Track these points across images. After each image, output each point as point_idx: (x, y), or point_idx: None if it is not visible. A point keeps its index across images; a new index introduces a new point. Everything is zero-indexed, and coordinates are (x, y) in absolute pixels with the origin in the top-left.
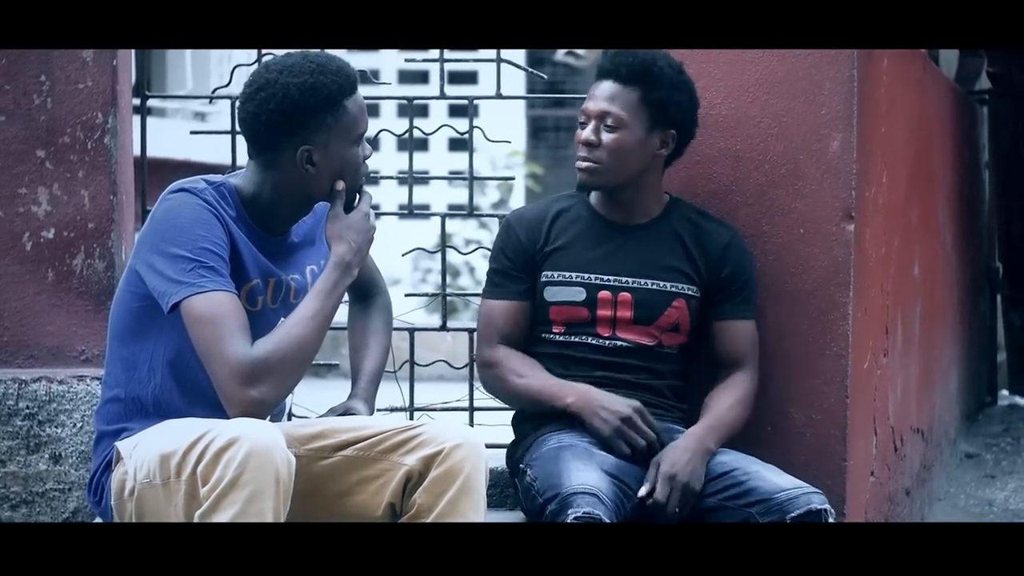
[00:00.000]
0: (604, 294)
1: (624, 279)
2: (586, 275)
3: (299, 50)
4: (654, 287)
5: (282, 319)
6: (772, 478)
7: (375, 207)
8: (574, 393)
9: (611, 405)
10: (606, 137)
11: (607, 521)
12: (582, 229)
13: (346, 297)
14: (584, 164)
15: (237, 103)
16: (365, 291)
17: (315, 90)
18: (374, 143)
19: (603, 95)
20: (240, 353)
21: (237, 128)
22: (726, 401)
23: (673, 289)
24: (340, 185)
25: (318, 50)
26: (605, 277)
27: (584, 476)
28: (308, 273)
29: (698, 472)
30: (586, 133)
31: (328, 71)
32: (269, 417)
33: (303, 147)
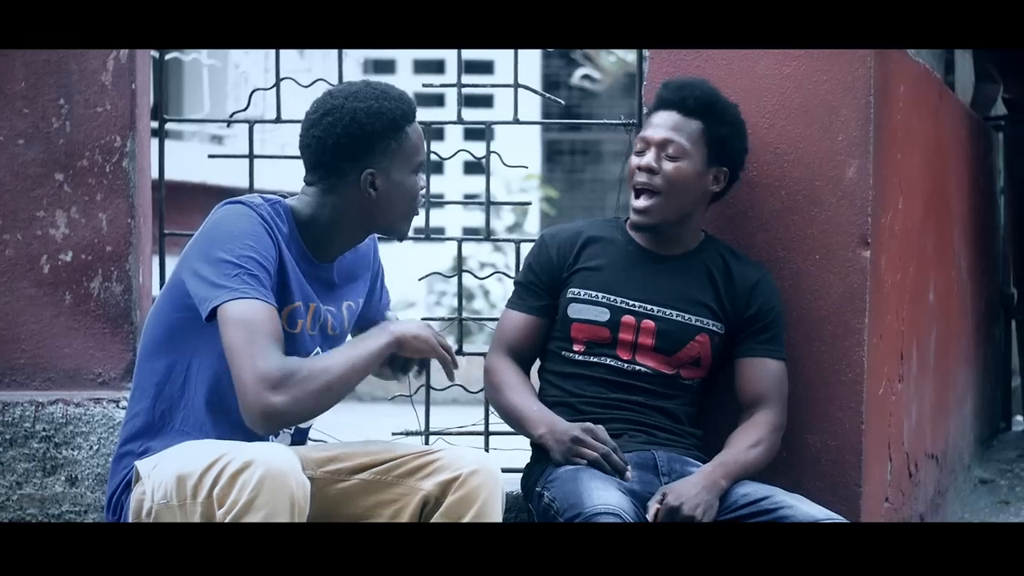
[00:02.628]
0: (628, 318)
1: (650, 307)
2: (612, 297)
3: (359, 80)
4: (678, 319)
5: (318, 349)
6: (805, 508)
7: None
8: (545, 425)
9: (563, 427)
10: (666, 165)
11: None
12: (616, 253)
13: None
14: (644, 203)
15: (300, 130)
16: None
17: (380, 114)
18: None
19: (666, 124)
20: (271, 359)
21: (255, 152)
22: (745, 441)
23: (698, 323)
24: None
25: (376, 80)
26: (631, 302)
27: (605, 495)
28: (345, 309)
29: (705, 507)
30: (647, 159)
31: (391, 97)
32: (290, 441)
33: (367, 170)
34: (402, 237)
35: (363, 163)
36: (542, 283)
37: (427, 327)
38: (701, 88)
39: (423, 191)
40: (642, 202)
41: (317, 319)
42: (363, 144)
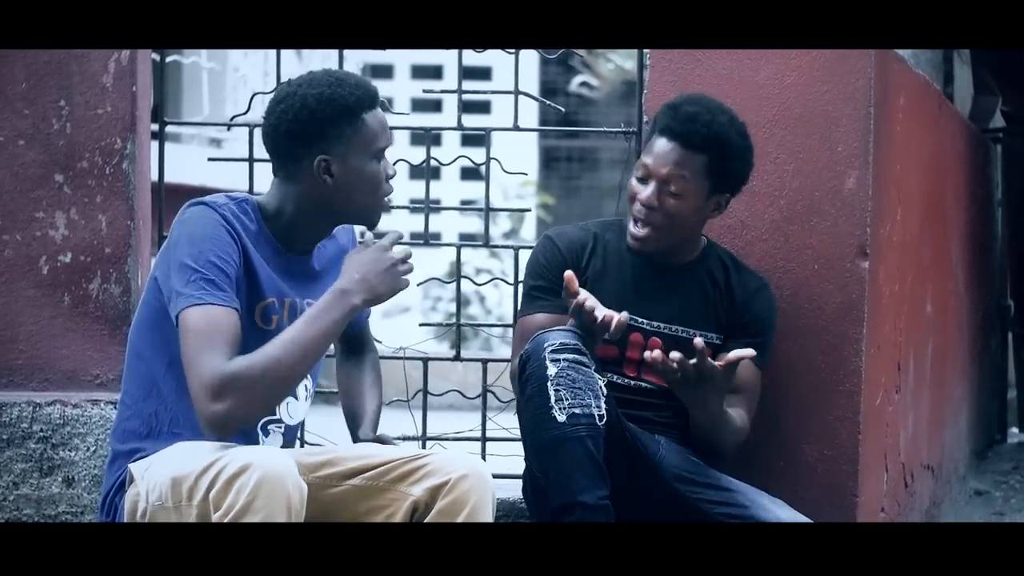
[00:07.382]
0: (636, 336)
1: (657, 324)
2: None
3: (322, 69)
4: (684, 335)
5: None
6: (774, 509)
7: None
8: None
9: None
10: (667, 202)
11: (582, 348)
12: (620, 264)
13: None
14: (642, 231)
15: (261, 120)
16: (356, 345)
17: (332, 101)
18: None
19: (670, 159)
20: (213, 366)
21: (255, 155)
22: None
23: (701, 337)
24: (367, 236)
25: (341, 69)
26: (639, 320)
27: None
28: None
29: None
30: (647, 195)
31: (346, 84)
32: (281, 444)
33: (320, 156)
34: (373, 225)
35: (316, 149)
36: (560, 282)
37: (374, 252)
38: (708, 123)
39: (391, 178)
40: (640, 231)
41: (294, 313)
42: (314, 130)
